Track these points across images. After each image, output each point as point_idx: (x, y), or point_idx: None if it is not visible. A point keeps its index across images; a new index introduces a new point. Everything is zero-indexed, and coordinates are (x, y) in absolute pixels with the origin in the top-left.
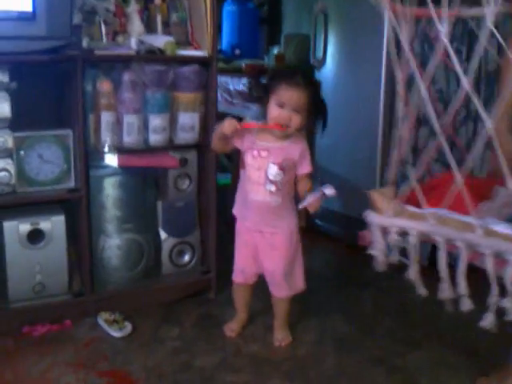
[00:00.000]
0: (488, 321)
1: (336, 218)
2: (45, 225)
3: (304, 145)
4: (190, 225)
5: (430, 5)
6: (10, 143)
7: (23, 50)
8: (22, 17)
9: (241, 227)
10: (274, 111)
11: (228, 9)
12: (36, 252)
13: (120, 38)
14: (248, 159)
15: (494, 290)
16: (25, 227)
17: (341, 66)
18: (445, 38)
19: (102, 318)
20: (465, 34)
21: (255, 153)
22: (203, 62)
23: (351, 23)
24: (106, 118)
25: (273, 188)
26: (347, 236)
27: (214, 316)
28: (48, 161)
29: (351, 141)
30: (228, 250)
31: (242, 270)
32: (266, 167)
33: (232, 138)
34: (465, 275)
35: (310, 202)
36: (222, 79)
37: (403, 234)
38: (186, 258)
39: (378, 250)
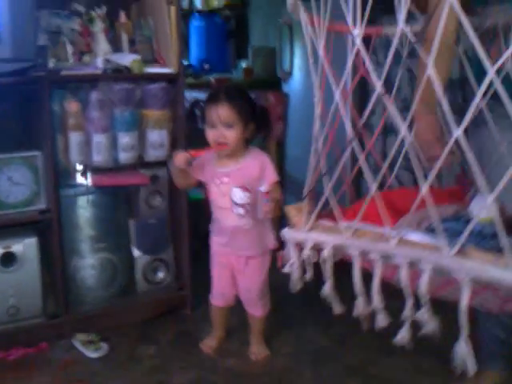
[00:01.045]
0: (402, 336)
1: None
2: (17, 248)
3: (262, 157)
4: (163, 242)
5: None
6: None
7: None
8: None
9: (215, 251)
10: (208, 133)
11: (195, 24)
12: (9, 275)
13: (86, 58)
14: (212, 188)
15: (409, 302)
16: None
17: (307, 77)
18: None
19: (78, 340)
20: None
21: (217, 181)
22: (170, 79)
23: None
24: (75, 137)
25: (241, 211)
26: None
27: (190, 332)
28: (18, 183)
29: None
30: (202, 265)
31: (222, 293)
32: (229, 192)
33: (190, 171)
34: (379, 290)
35: (262, 210)
36: (194, 95)
37: (317, 248)
38: (161, 275)
39: (292, 267)
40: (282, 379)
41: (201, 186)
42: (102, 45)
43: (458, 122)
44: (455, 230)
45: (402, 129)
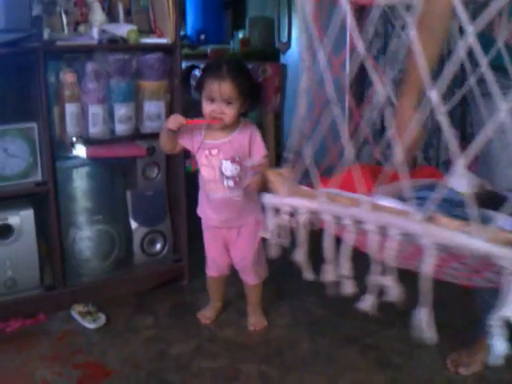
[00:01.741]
0: (367, 302)
1: None
2: (13, 220)
3: (251, 129)
4: (161, 213)
5: None
6: None
7: None
8: None
9: (205, 224)
10: (206, 107)
11: None
12: (5, 248)
13: (82, 28)
14: (201, 160)
15: (375, 269)
16: None
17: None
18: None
19: (76, 311)
20: None
21: (206, 152)
22: (167, 50)
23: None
24: (71, 109)
25: (231, 183)
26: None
27: (187, 303)
28: (13, 155)
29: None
30: (200, 236)
31: (216, 263)
32: (219, 165)
33: (178, 136)
34: (349, 256)
35: (245, 183)
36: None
37: (292, 213)
38: (158, 246)
39: (269, 232)
40: (280, 349)
41: (185, 155)
42: (98, 15)
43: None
44: (429, 199)
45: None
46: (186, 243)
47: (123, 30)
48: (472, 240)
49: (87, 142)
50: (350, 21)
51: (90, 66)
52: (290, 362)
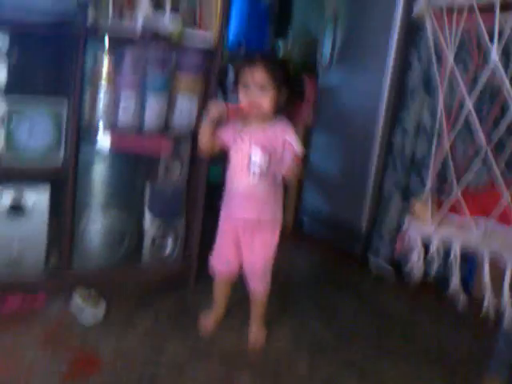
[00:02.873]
0: None
1: (324, 219)
2: (29, 198)
3: (288, 127)
4: (177, 211)
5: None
6: (1, 108)
7: (27, 21)
8: None
9: (224, 216)
10: (241, 94)
11: (238, 0)
12: (16, 225)
13: (127, 15)
14: (232, 148)
15: None
16: (8, 198)
17: (346, 71)
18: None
19: (78, 293)
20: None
21: (238, 140)
22: (208, 48)
23: (361, 30)
24: (104, 94)
25: (257, 170)
26: (334, 239)
27: (190, 305)
28: (39, 131)
29: (348, 144)
30: (211, 242)
31: (227, 261)
32: (249, 151)
33: (217, 132)
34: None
35: (286, 168)
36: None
37: (445, 245)
38: (169, 244)
39: (417, 261)
40: (277, 364)
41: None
42: (144, 3)
43: None
44: None
45: None
46: (197, 244)
47: (168, 21)
48: None
49: (114, 130)
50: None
51: (129, 54)
52: (286, 378)
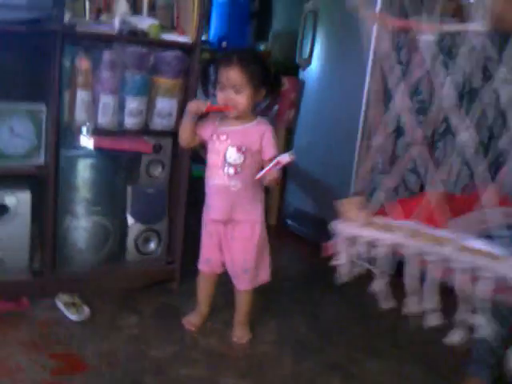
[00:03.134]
0: (457, 336)
1: (307, 218)
2: (10, 200)
3: (266, 128)
4: (159, 213)
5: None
6: None
7: (1, 18)
8: None
9: (206, 218)
10: (219, 95)
11: (218, 0)
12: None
13: (103, 17)
14: (209, 145)
15: (464, 306)
16: None
17: (326, 67)
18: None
19: (61, 300)
20: (453, 48)
21: (214, 137)
22: (186, 48)
23: (340, 25)
24: (82, 96)
25: (231, 171)
26: (317, 238)
27: (174, 307)
28: (18, 135)
29: (330, 143)
30: (195, 242)
31: (208, 259)
32: (224, 150)
33: (196, 127)
34: (435, 290)
35: (264, 172)
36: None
37: (371, 245)
38: (152, 245)
39: (343, 261)
40: (262, 365)
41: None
42: (121, 5)
43: None
44: None
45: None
46: (180, 246)
47: (145, 23)
48: None
49: (95, 131)
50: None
51: (106, 55)
52: (269, 379)
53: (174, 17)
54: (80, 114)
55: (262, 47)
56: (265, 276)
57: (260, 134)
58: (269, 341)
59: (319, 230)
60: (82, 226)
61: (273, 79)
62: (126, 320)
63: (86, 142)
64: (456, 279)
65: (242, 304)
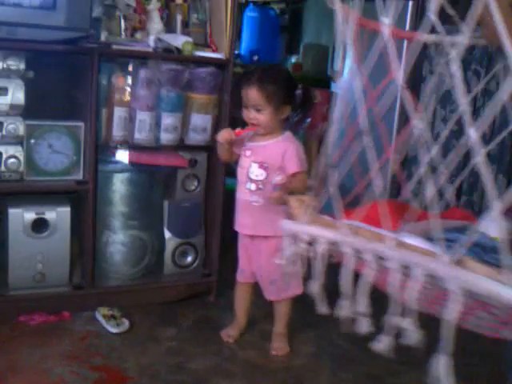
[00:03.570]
0: (383, 344)
1: None
2: (50, 215)
3: (289, 144)
4: (195, 226)
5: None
6: (21, 131)
7: (41, 38)
8: (42, 5)
9: (238, 230)
10: (243, 112)
11: (249, 14)
12: (39, 241)
13: (138, 35)
14: (239, 160)
15: (394, 309)
16: (30, 216)
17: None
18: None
19: (100, 313)
20: (485, 56)
21: (242, 153)
22: (220, 65)
23: (372, 37)
24: (119, 113)
25: (253, 187)
26: None
27: (212, 319)
28: (58, 151)
29: (360, 154)
30: (231, 254)
31: (242, 270)
32: (248, 166)
33: (233, 145)
34: (367, 293)
35: (269, 195)
36: None
37: (311, 242)
38: (189, 259)
39: (284, 259)
40: (299, 378)
41: (227, 172)
42: (156, 23)
43: None
44: (458, 241)
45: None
46: (217, 259)
47: (179, 40)
48: (503, 289)
49: (131, 147)
50: (391, 51)
51: (142, 73)
52: None
53: (206, 34)
54: (117, 130)
55: (293, 60)
56: (297, 289)
57: (282, 150)
58: (306, 353)
59: None
60: (120, 240)
61: (301, 94)
62: (165, 332)
63: (123, 157)
64: (389, 279)
65: (280, 316)
